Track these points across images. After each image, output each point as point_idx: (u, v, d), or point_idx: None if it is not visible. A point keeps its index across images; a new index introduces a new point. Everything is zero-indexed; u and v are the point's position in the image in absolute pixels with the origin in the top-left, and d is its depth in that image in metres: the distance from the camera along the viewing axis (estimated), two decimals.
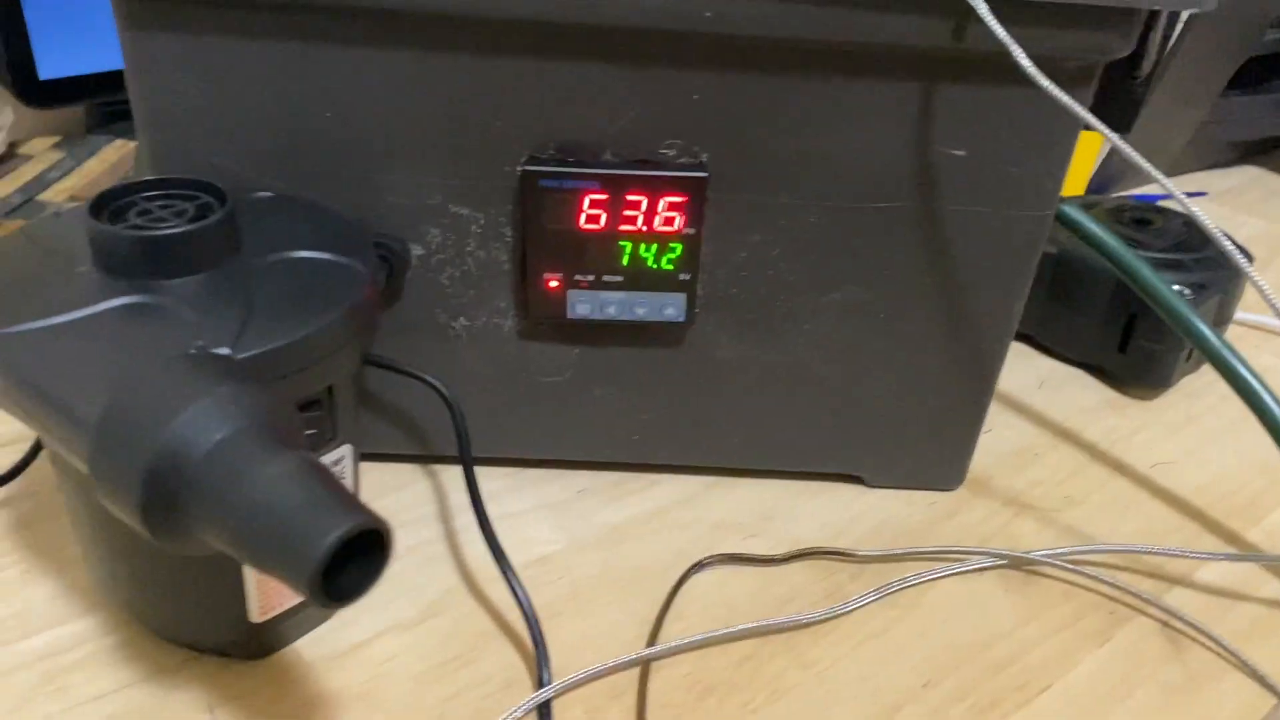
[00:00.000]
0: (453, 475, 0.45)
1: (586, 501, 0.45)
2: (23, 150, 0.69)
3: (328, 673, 0.36)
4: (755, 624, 0.39)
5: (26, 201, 0.62)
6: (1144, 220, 0.58)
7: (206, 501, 0.25)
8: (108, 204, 0.32)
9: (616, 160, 0.39)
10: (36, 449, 0.42)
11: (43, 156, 0.68)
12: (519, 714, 0.34)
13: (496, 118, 0.38)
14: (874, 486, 0.47)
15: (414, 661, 0.37)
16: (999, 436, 0.51)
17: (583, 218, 0.39)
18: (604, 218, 0.39)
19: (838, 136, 0.38)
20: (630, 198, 0.39)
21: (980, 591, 0.41)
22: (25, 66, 0.68)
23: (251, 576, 0.33)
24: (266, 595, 0.34)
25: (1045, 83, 0.34)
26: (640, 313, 0.41)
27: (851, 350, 0.43)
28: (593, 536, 0.43)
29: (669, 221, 0.39)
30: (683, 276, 0.40)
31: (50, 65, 0.69)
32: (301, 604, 0.35)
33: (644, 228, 0.39)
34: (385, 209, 0.39)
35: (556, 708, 0.35)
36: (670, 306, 0.41)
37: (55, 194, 0.63)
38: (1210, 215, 0.61)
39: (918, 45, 0.35)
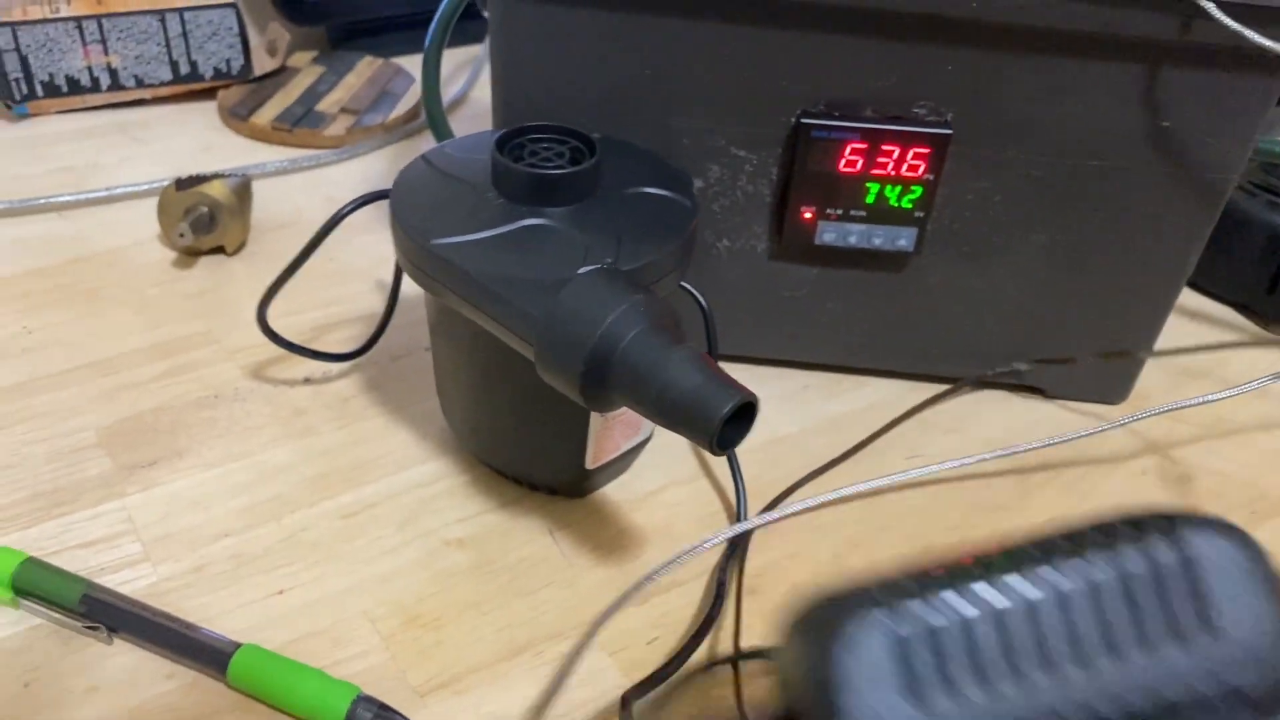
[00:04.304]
0: None
1: (810, 395, 0.54)
2: (289, 64, 0.79)
3: (631, 511, 0.47)
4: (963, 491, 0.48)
5: (307, 113, 0.72)
6: None
7: (629, 378, 0.35)
8: (505, 143, 0.42)
9: (875, 116, 0.47)
10: (381, 330, 0.52)
11: (308, 70, 0.78)
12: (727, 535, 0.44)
13: (780, 78, 0.46)
14: (1052, 397, 0.55)
15: (694, 508, 0.47)
16: (1157, 358, 0.59)
17: (842, 162, 0.47)
18: (860, 163, 0.48)
19: (1065, 106, 0.46)
20: (884, 147, 0.47)
21: (1143, 489, 0.50)
22: None
23: (593, 431, 0.43)
24: (600, 447, 0.44)
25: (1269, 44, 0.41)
26: (877, 242, 0.50)
27: (1047, 281, 0.51)
28: (819, 423, 0.52)
29: (914, 169, 0.47)
30: (917, 214, 0.49)
31: None
32: (619, 457, 0.46)
33: (892, 172, 0.48)
34: (678, 149, 0.48)
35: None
36: (902, 238, 0.50)
37: (328, 105, 0.73)
38: None
39: (1147, 35, 0.43)
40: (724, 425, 0.34)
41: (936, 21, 0.44)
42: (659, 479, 0.48)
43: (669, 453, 0.50)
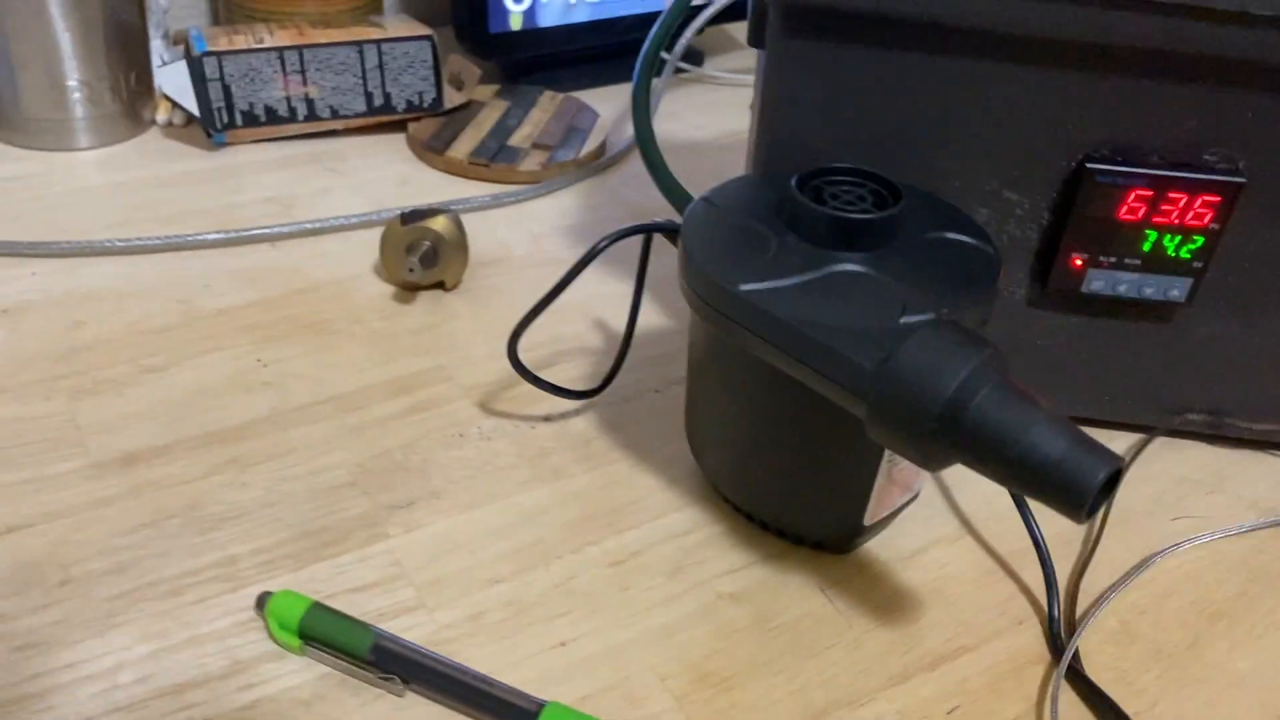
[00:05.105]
0: None
1: None
2: (474, 98, 0.79)
3: (901, 571, 0.45)
4: (1243, 564, 0.46)
5: (501, 148, 0.72)
6: None
7: (983, 439, 0.33)
8: (804, 185, 0.41)
9: (1163, 162, 0.45)
10: (616, 368, 0.51)
11: (493, 105, 0.78)
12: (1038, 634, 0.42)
13: (1065, 120, 0.44)
14: None
15: (965, 568, 0.45)
16: None
17: (1124, 209, 0.45)
18: (1143, 210, 0.45)
19: None
20: (1171, 195, 0.45)
21: None
22: (479, 23, 0.78)
23: (877, 487, 0.41)
24: (880, 504, 0.42)
25: None
26: (1148, 292, 0.48)
27: None
28: None
29: (1199, 217, 0.45)
30: (1195, 264, 0.47)
31: (493, 23, 0.79)
32: (890, 514, 0.44)
33: (1175, 221, 0.45)
34: (945, 190, 0.47)
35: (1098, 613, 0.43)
36: (1175, 288, 0.47)
37: (519, 140, 0.73)
38: None
39: None
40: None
41: (1237, 65, 0.42)
42: (922, 537, 0.46)
43: (929, 509, 0.48)
